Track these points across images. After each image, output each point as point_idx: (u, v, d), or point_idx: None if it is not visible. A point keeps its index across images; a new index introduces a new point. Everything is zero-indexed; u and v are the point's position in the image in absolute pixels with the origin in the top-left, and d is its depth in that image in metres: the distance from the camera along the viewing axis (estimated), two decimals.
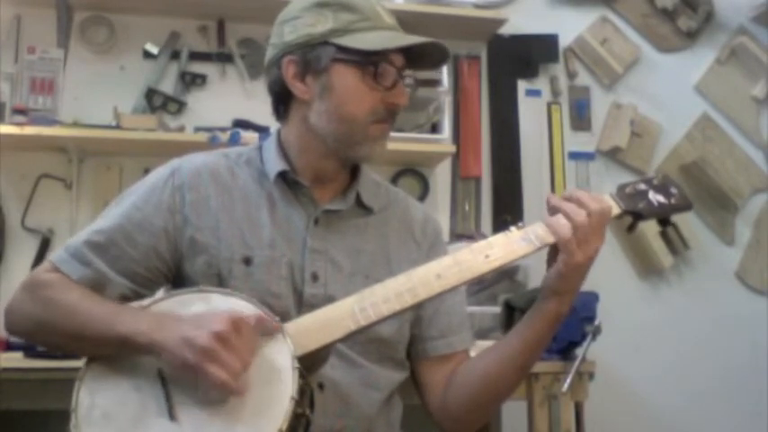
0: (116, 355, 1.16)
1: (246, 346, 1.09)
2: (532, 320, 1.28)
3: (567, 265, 1.20)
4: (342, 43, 1.28)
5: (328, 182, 1.38)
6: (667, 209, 1.32)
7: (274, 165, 1.36)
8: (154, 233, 1.29)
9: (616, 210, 1.29)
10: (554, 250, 1.23)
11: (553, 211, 1.24)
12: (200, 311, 1.16)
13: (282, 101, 1.37)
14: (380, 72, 1.28)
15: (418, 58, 1.34)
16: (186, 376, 1.09)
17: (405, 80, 1.33)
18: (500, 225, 2.69)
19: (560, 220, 1.20)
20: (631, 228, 1.33)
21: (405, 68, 1.33)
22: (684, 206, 1.34)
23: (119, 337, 1.13)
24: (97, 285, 1.25)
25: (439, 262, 1.20)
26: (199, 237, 1.31)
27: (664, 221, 1.34)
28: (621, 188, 1.33)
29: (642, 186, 1.33)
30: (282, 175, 1.35)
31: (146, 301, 1.23)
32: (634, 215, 1.31)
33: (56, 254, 1.30)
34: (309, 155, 1.35)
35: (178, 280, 1.32)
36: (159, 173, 1.36)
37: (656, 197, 1.32)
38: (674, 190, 1.34)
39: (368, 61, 1.28)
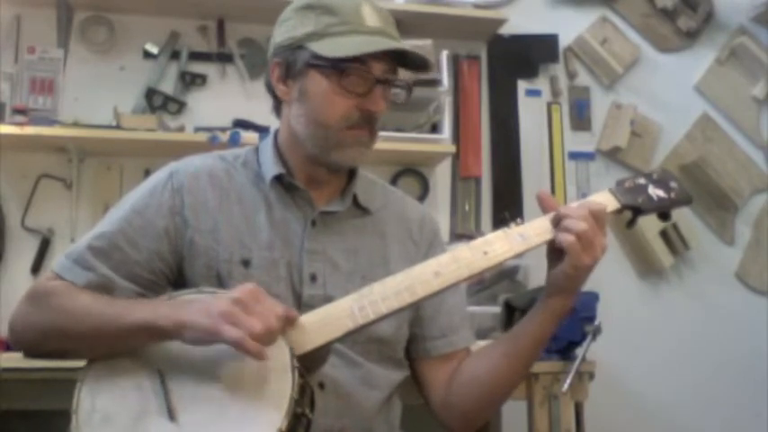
0: (121, 351, 1.16)
1: (267, 312, 1.08)
2: (539, 317, 1.29)
3: (574, 268, 1.20)
4: (313, 48, 1.28)
5: (323, 184, 1.38)
6: (667, 203, 1.32)
7: (270, 168, 1.36)
8: (156, 235, 1.29)
9: (615, 205, 1.29)
10: (554, 248, 1.23)
11: (547, 210, 1.25)
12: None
13: (276, 100, 1.39)
14: (348, 78, 1.27)
15: (407, 61, 1.33)
16: (203, 367, 1.09)
17: (392, 84, 1.31)
18: (500, 225, 2.68)
19: (563, 233, 1.20)
20: (631, 223, 1.32)
21: (390, 73, 1.30)
22: (684, 200, 1.33)
23: (141, 325, 1.12)
24: (103, 289, 1.24)
25: (437, 260, 1.20)
26: (198, 239, 1.31)
27: (664, 216, 1.34)
28: (620, 183, 1.33)
29: (641, 181, 1.33)
30: (279, 178, 1.35)
31: None
32: (633, 210, 1.30)
33: (57, 262, 1.29)
34: (298, 157, 1.36)
35: (179, 282, 1.32)
36: (158, 176, 1.37)
37: (655, 192, 1.31)
38: (673, 184, 1.33)
39: (336, 67, 1.27)
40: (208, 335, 1.07)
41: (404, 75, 1.36)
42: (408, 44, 1.33)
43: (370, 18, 1.30)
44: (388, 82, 1.30)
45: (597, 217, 1.21)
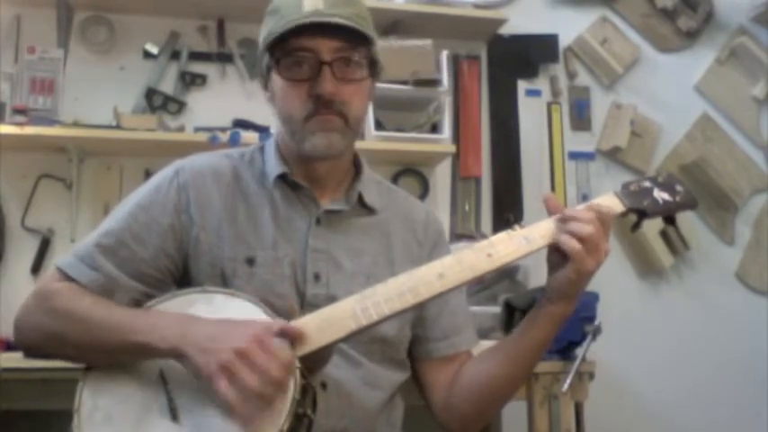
0: (120, 362, 1.16)
1: (273, 363, 1.05)
2: (539, 322, 1.27)
3: (577, 273, 1.19)
4: (264, 49, 1.31)
5: (324, 181, 1.38)
6: (672, 207, 1.31)
7: (273, 167, 1.36)
8: (161, 232, 1.29)
9: (620, 208, 1.28)
10: (556, 251, 1.22)
11: (552, 212, 1.24)
12: (226, 317, 1.14)
13: None
14: (292, 67, 1.28)
15: (361, 37, 1.28)
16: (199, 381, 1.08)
17: (344, 62, 1.27)
18: (501, 225, 2.69)
19: (568, 237, 1.19)
20: (636, 226, 1.32)
21: (346, 51, 1.27)
22: (690, 204, 1.33)
23: (140, 346, 1.12)
24: (107, 290, 1.24)
25: (441, 261, 1.20)
26: (203, 236, 1.31)
27: (669, 219, 1.34)
28: (626, 186, 1.32)
29: (647, 184, 1.33)
30: (282, 177, 1.36)
31: (150, 302, 1.23)
32: (639, 213, 1.30)
33: (63, 259, 1.29)
34: (292, 156, 1.37)
35: (184, 279, 1.31)
36: (163, 173, 1.37)
37: (660, 195, 1.31)
38: (679, 188, 1.33)
39: (279, 61, 1.28)
40: (203, 379, 1.06)
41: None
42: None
43: (310, 3, 1.27)
44: (335, 61, 1.26)
45: (603, 221, 1.20)
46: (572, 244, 1.18)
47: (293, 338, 1.11)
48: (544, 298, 1.26)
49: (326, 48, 1.26)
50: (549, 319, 1.26)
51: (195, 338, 1.09)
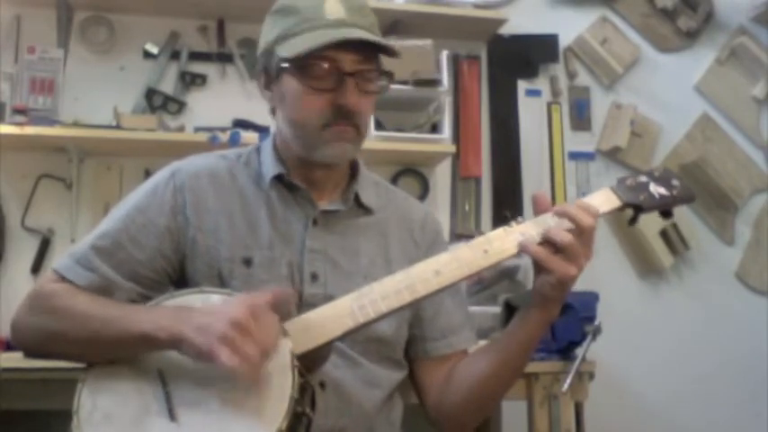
0: (120, 357, 1.16)
1: (265, 332, 1.06)
2: (526, 325, 1.27)
3: (560, 280, 1.18)
4: (279, 52, 1.28)
5: (321, 183, 1.38)
6: (669, 201, 1.31)
7: (270, 168, 1.36)
8: (158, 234, 1.30)
9: (617, 203, 1.28)
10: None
11: (540, 212, 1.23)
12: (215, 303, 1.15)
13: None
14: (314, 76, 1.26)
15: (383, 49, 1.29)
16: (203, 368, 1.08)
17: (365, 75, 1.28)
18: (501, 225, 2.68)
19: (545, 253, 1.17)
20: (633, 221, 1.32)
21: (366, 63, 1.28)
22: (687, 198, 1.33)
23: (139, 336, 1.12)
24: (104, 291, 1.24)
25: (437, 259, 1.20)
26: (200, 238, 1.31)
27: (666, 213, 1.33)
28: (622, 181, 1.32)
29: (643, 179, 1.32)
30: (279, 178, 1.36)
31: (148, 303, 1.23)
32: (635, 208, 1.30)
33: (59, 262, 1.29)
34: (292, 158, 1.36)
35: (181, 281, 1.32)
36: (160, 175, 1.37)
37: (657, 189, 1.31)
38: (675, 182, 1.32)
39: (300, 67, 1.26)
40: (204, 356, 1.05)
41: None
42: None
43: (333, 11, 1.27)
44: (357, 73, 1.27)
45: (591, 229, 1.18)
46: (544, 256, 1.16)
47: (282, 300, 1.12)
48: (531, 303, 1.25)
49: (349, 59, 1.26)
50: (535, 322, 1.25)
51: (191, 321, 1.09)
